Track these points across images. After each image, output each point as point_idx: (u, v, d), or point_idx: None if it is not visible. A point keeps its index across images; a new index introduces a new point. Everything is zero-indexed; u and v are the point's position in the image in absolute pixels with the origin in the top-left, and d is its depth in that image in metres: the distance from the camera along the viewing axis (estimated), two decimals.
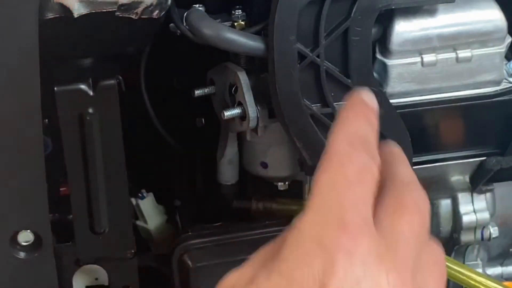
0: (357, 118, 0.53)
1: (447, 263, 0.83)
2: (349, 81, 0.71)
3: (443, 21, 0.75)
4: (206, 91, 0.81)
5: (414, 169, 0.74)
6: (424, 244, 0.51)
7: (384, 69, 0.75)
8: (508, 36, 0.77)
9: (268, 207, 0.88)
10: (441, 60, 0.75)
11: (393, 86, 0.75)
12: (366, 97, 0.54)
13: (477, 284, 0.82)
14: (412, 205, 0.51)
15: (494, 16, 0.75)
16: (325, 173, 0.50)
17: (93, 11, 0.68)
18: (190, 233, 0.83)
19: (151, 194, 0.90)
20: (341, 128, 0.52)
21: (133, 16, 0.69)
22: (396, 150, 0.57)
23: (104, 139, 0.76)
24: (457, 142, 0.80)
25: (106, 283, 0.86)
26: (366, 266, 0.46)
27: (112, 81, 0.76)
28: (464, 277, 0.82)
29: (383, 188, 0.52)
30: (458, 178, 0.83)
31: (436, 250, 0.52)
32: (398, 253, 0.48)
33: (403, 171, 0.55)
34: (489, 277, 0.84)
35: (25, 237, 0.75)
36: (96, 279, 0.86)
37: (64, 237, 0.83)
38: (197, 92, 0.80)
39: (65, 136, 0.76)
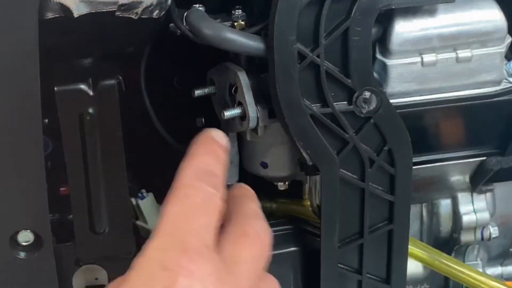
0: (205, 154, 0.58)
1: (448, 262, 0.83)
2: (349, 81, 0.71)
3: (443, 21, 0.75)
4: (206, 91, 0.81)
5: (414, 169, 0.75)
6: (262, 273, 0.57)
7: (384, 69, 0.75)
8: (508, 36, 0.77)
9: (268, 207, 0.88)
10: (441, 60, 0.75)
11: (393, 86, 0.75)
12: (216, 135, 0.60)
13: (477, 283, 0.82)
14: (253, 234, 0.56)
15: (494, 16, 0.76)
16: (171, 204, 0.55)
17: (93, 11, 0.68)
18: None
19: (151, 194, 0.90)
20: (189, 162, 0.57)
21: (133, 16, 0.69)
22: (245, 189, 0.63)
23: (104, 139, 0.76)
24: (457, 142, 0.80)
25: (106, 283, 0.86)
26: (206, 287, 0.50)
27: (112, 81, 0.76)
28: (465, 276, 0.83)
29: (229, 220, 0.57)
30: (458, 178, 0.83)
31: (274, 283, 0.60)
32: (237, 276, 0.53)
33: (249, 206, 0.60)
34: (489, 276, 0.85)
35: (25, 237, 0.75)
36: (96, 279, 0.86)
37: (64, 237, 0.83)
38: (197, 92, 0.80)
39: (65, 136, 0.76)
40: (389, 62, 0.75)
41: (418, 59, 0.75)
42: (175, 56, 0.89)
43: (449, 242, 0.88)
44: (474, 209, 0.86)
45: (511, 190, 0.89)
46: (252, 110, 0.74)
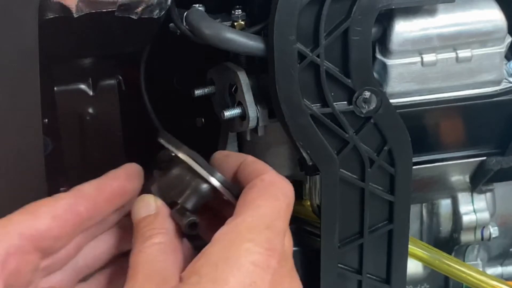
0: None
1: (448, 262, 0.83)
2: (349, 81, 0.71)
3: (443, 21, 0.75)
4: (206, 91, 0.80)
5: (414, 169, 0.75)
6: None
7: (384, 69, 0.75)
8: (508, 36, 0.77)
9: None
10: (441, 60, 0.75)
11: (393, 86, 0.75)
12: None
13: (478, 282, 0.82)
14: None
15: (494, 16, 0.75)
16: None
17: (93, 11, 0.68)
18: None
19: None
20: None
21: (133, 16, 0.69)
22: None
23: (104, 139, 0.76)
24: (457, 142, 0.80)
25: None
26: None
27: (112, 81, 0.76)
28: (465, 275, 0.83)
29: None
30: (458, 178, 0.83)
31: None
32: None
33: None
34: (489, 275, 0.85)
35: None
36: None
37: None
38: (197, 92, 0.80)
39: (65, 136, 0.76)
40: (389, 62, 0.75)
41: (418, 59, 0.75)
42: (175, 56, 0.89)
43: (449, 242, 0.88)
44: (474, 209, 0.86)
45: (511, 190, 0.89)
46: (252, 110, 0.74)
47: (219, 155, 0.67)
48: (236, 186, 0.62)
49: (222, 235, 0.57)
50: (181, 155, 0.63)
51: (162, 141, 0.65)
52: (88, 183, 0.61)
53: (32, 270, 0.58)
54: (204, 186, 0.62)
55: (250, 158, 0.65)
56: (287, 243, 0.60)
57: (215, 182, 0.62)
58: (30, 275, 0.59)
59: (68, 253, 0.61)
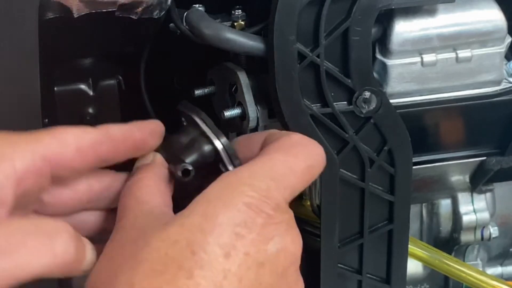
0: None
1: (448, 262, 0.83)
2: (349, 81, 0.71)
3: (443, 21, 0.75)
4: (206, 91, 0.81)
5: (414, 169, 0.75)
6: None
7: (384, 69, 0.75)
8: (508, 36, 0.77)
9: None
10: (441, 60, 0.75)
11: (393, 86, 0.75)
12: None
13: (478, 282, 0.82)
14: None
15: (494, 16, 0.75)
16: None
17: (93, 11, 0.68)
18: None
19: None
20: None
21: (133, 16, 0.69)
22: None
23: None
24: (457, 142, 0.80)
25: None
26: None
27: (112, 81, 0.76)
28: (465, 275, 0.83)
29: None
30: (458, 178, 0.83)
31: None
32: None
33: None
34: (490, 275, 0.85)
35: None
36: None
37: None
38: (197, 92, 0.80)
39: None
40: (389, 62, 0.75)
41: (418, 59, 0.75)
42: (175, 56, 0.89)
43: (449, 242, 0.88)
44: (474, 209, 0.86)
45: (511, 190, 0.89)
46: (252, 110, 0.74)
47: (241, 137, 0.66)
48: (239, 159, 0.62)
49: (224, 177, 0.56)
50: (194, 116, 0.64)
51: (180, 107, 0.66)
52: (116, 126, 0.60)
53: (38, 193, 0.58)
54: (207, 146, 0.63)
55: (275, 130, 0.64)
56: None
57: (218, 144, 0.62)
58: (34, 198, 0.58)
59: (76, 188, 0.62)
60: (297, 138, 0.60)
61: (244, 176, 0.56)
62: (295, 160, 0.58)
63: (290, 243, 0.56)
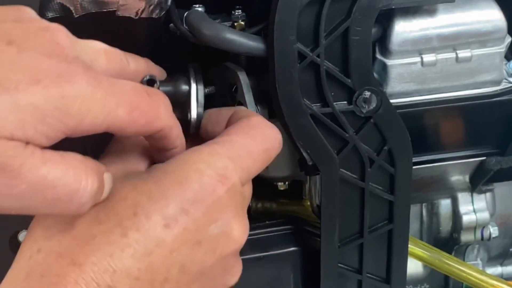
0: None
1: (449, 261, 0.83)
2: (349, 81, 0.71)
3: (443, 21, 0.75)
4: (206, 91, 0.80)
5: (414, 169, 0.75)
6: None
7: (384, 69, 0.75)
8: (508, 36, 0.77)
9: (268, 207, 0.88)
10: (440, 60, 0.75)
11: (393, 86, 0.75)
12: None
13: (478, 281, 0.82)
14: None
15: (494, 16, 0.75)
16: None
17: (93, 11, 0.68)
18: None
19: None
20: None
21: (133, 16, 0.69)
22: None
23: (104, 139, 0.76)
24: (457, 142, 0.80)
25: None
26: None
27: None
28: (465, 275, 0.83)
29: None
30: (458, 178, 0.83)
31: None
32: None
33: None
34: (490, 275, 0.85)
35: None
36: None
37: None
38: None
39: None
40: (389, 62, 0.75)
41: (418, 59, 0.75)
42: (175, 56, 0.89)
43: (449, 242, 0.88)
44: (474, 209, 0.86)
45: (511, 190, 0.89)
46: (252, 110, 0.74)
47: (212, 110, 0.68)
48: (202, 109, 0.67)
49: (184, 153, 0.58)
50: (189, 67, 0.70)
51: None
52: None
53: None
54: (184, 85, 0.70)
55: (242, 107, 0.66)
56: (246, 187, 0.60)
57: (193, 87, 0.69)
58: None
59: None
60: (256, 120, 0.62)
61: (204, 153, 0.57)
62: (253, 142, 0.60)
63: (234, 229, 0.57)
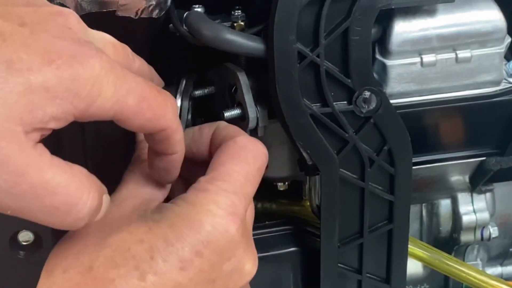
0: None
1: (448, 261, 0.83)
2: (349, 81, 0.71)
3: (443, 22, 0.75)
4: (206, 91, 0.81)
5: (414, 169, 0.75)
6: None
7: (383, 70, 0.75)
8: (507, 36, 0.77)
9: (267, 208, 0.88)
10: (440, 61, 0.75)
11: (392, 86, 0.75)
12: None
13: (478, 282, 0.82)
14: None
15: (494, 17, 0.76)
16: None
17: (93, 11, 0.68)
18: None
19: None
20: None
21: (133, 16, 0.69)
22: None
23: (104, 139, 0.76)
24: (457, 142, 0.80)
25: None
26: None
27: None
28: (465, 275, 0.83)
29: None
30: (458, 178, 0.83)
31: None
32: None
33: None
34: (489, 275, 0.85)
35: (25, 237, 0.75)
36: None
37: None
38: (197, 92, 0.80)
39: (66, 136, 0.76)
40: (389, 62, 0.75)
41: (417, 59, 0.75)
42: (175, 56, 0.89)
43: (449, 242, 0.88)
44: (474, 209, 0.86)
45: (511, 190, 0.89)
46: (252, 110, 0.74)
47: (193, 129, 0.67)
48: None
49: (191, 193, 0.58)
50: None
51: None
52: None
53: None
54: None
55: (223, 124, 0.66)
56: (249, 212, 0.60)
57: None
58: None
59: None
60: (242, 141, 0.61)
61: (211, 193, 0.57)
62: (247, 167, 0.60)
63: (246, 263, 0.58)
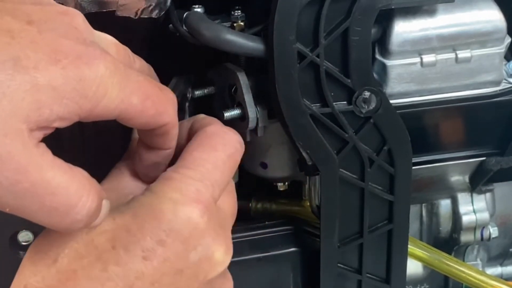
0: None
1: (448, 262, 0.83)
2: (349, 81, 0.71)
3: (443, 22, 0.75)
4: (206, 91, 0.81)
5: (414, 169, 0.75)
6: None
7: (383, 70, 0.75)
8: (507, 36, 0.77)
9: (267, 208, 0.88)
10: (440, 61, 0.75)
11: (392, 86, 0.75)
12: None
13: (478, 282, 0.82)
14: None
15: (494, 17, 0.75)
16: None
17: (93, 11, 0.68)
18: None
19: None
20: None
21: (133, 16, 0.69)
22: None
23: (104, 139, 0.76)
24: (457, 142, 0.80)
25: None
26: None
27: None
28: (465, 275, 0.83)
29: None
30: (458, 178, 0.83)
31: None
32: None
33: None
34: (489, 275, 0.85)
35: (25, 237, 0.76)
36: None
37: None
38: (197, 92, 0.80)
39: (66, 136, 0.76)
40: (389, 62, 0.75)
41: (417, 59, 0.75)
42: (174, 56, 0.89)
43: (448, 242, 0.88)
44: (473, 209, 0.86)
45: (511, 190, 0.89)
46: (252, 110, 0.74)
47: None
48: None
49: (157, 182, 0.57)
50: None
51: None
52: None
53: None
54: None
55: (200, 116, 0.65)
56: (225, 199, 0.60)
57: None
58: None
59: None
60: (211, 130, 0.61)
61: (175, 181, 0.56)
62: (216, 153, 0.59)
63: (216, 251, 0.57)
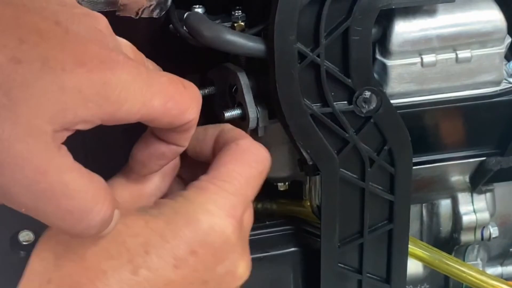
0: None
1: (448, 261, 0.83)
2: (349, 81, 0.71)
3: (443, 22, 0.75)
4: (206, 91, 0.81)
5: (414, 169, 0.75)
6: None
7: (383, 70, 0.75)
8: (507, 36, 0.77)
9: (268, 208, 0.88)
10: (440, 61, 0.75)
11: (393, 86, 0.76)
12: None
13: (478, 282, 0.82)
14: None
15: (494, 17, 0.76)
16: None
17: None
18: None
19: None
20: None
21: (133, 16, 0.69)
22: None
23: (104, 139, 0.76)
24: (457, 142, 0.80)
25: None
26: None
27: None
28: (465, 275, 0.83)
29: None
30: (458, 178, 0.83)
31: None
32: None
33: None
34: (490, 275, 0.85)
35: (26, 236, 0.76)
36: None
37: None
38: None
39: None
40: (389, 62, 0.75)
41: (418, 59, 0.75)
42: (175, 57, 0.89)
43: (449, 242, 0.88)
44: (474, 209, 0.86)
45: (511, 190, 0.89)
46: (252, 110, 0.74)
47: (198, 129, 0.66)
48: None
49: (190, 191, 0.58)
50: None
51: None
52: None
53: None
54: None
55: (228, 126, 0.65)
56: (247, 216, 0.60)
57: None
58: None
59: None
60: (245, 144, 0.61)
61: (210, 192, 0.57)
62: (249, 170, 0.60)
63: (239, 267, 0.58)
